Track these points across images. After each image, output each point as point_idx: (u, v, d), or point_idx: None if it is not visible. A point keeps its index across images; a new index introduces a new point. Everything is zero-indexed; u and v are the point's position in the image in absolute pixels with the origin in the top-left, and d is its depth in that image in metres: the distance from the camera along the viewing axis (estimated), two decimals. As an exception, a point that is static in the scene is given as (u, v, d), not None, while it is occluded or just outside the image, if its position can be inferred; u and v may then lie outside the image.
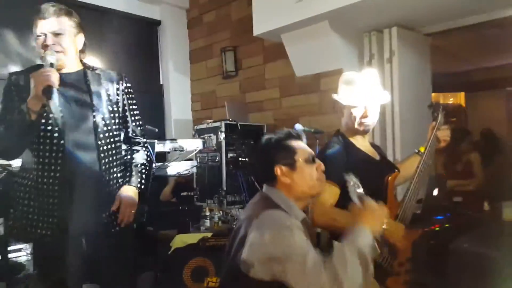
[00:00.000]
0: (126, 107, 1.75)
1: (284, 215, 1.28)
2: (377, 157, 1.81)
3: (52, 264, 1.59)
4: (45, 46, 1.53)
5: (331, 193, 1.58)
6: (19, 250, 3.22)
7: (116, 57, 4.13)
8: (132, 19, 4.33)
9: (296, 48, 3.24)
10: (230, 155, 3.48)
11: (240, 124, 3.52)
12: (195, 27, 4.65)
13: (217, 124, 3.55)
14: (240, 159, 3.28)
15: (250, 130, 3.60)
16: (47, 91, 1.39)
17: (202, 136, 3.61)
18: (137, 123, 1.81)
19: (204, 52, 4.55)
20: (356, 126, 1.72)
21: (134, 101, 1.81)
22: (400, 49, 2.93)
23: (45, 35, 1.53)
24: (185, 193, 3.62)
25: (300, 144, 1.41)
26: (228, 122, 3.51)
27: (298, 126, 2.57)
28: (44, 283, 1.64)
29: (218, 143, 3.51)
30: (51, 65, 1.46)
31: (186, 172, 3.25)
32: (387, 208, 1.43)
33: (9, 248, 3.11)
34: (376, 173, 1.69)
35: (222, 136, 3.48)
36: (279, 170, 1.36)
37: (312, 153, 1.41)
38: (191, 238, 2.53)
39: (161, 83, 4.66)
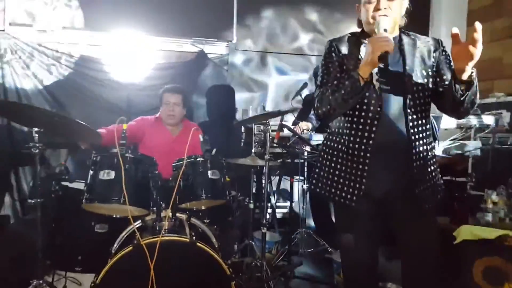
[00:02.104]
0: (443, 66, 1.53)
1: None
2: None
3: (346, 226, 1.62)
4: (377, 10, 1.46)
5: None
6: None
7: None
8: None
9: None
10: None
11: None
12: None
13: (513, 98, 2.84)
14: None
15: None
16: (384, 57, 1.33)
17: (488, 113, 2.97)
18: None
19: (489, 10, 3.74)
20: None
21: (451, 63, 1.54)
22: None
23: None
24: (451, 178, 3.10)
25: None
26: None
27: None
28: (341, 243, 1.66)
29: (514, 122, 2.81)
30: (385, 30, 1.39)
31: (466, 153, 2.75)
32: None
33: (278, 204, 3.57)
34: None
35: (523, 113, 2.77)
36: None
37: None
38: (485, 232, 2.14)
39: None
